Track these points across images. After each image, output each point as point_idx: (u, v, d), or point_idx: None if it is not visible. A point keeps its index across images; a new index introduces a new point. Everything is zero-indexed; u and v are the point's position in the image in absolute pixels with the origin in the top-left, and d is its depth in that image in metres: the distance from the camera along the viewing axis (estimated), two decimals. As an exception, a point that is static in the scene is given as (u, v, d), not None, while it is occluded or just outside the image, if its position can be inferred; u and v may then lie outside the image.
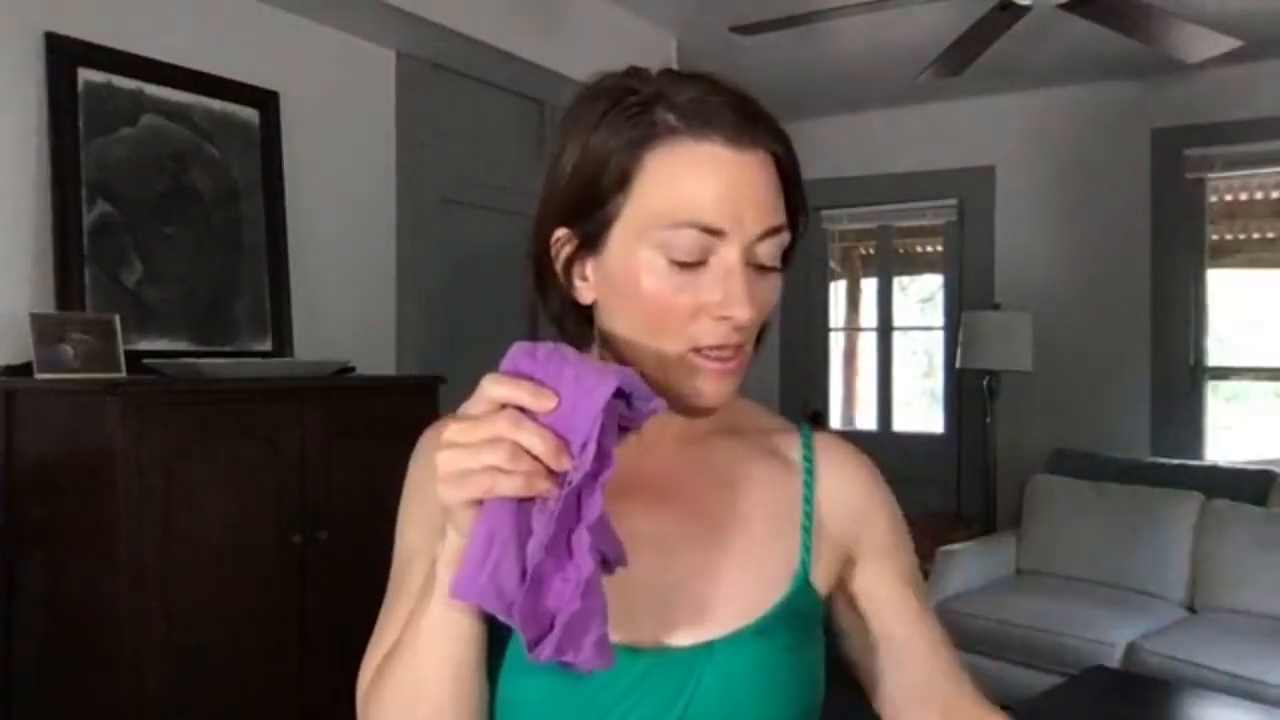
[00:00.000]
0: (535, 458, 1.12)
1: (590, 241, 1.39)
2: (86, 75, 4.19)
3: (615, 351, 1.41)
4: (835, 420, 9.31)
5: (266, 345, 4.81)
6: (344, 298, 5.29)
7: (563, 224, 1.41)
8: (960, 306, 8.23)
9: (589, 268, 1.41)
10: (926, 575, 6.85)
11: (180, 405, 3.70)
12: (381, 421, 4.35)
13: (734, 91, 1.38)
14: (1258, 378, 7.70)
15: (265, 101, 4.89)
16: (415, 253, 5.72)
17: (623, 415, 1.19)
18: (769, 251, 1.38)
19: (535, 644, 1.12)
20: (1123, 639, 5.90)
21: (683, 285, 1.34)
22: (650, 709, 1.36)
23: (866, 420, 9.22)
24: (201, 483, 3.70)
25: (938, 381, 8.94)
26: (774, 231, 1.37)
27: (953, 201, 8.50)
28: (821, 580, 1.53)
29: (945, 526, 7.71)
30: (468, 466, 1.12)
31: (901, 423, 9.07)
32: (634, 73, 1.42)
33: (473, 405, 1.17)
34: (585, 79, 1.43)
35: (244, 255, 4.76)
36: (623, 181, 1.35)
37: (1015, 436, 7.99)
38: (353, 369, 4.71)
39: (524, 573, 1.11)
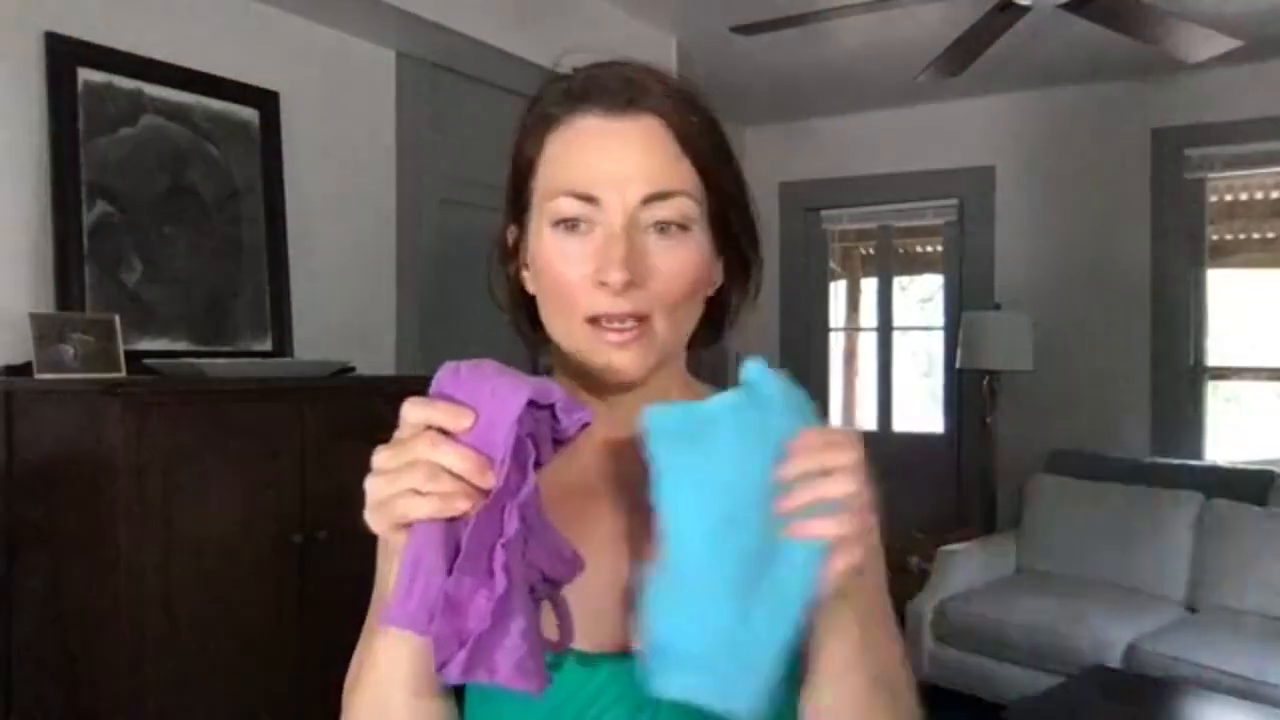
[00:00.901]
0: (459, 477, 1.13)
1: (524, 232, 1.46)
2: (86, 75, 4.19)
3: (549, 335, 1.45)
4: (835, 420, 9.30)
5: (266, 345, 4.80)
6: (344, 298, 5.29)
7: (510, 220, 1.49)
8: (960, 306, 8.22)
9: (528, 258, 1.46)
10: (927, 575, 6.86)
11: (180, 405, 3.70)
12: (381, 421, 4.31)
13: (626, 65, 1.43)
14: (1257, 378, 7.72)
15: (265, 101, 4.89)
16: (415, 253, 5.72)
17: (555, 428, 1.20)
18: (661, 214, 1.37)
19: (442, 665, 1.10)
20: (1123, 639, 5.90)
21: (570, 256, 1.36)
22: (617, 715, 1.36)
23: (867, 420, 9.20)
24: (201, 483, 3.70)
25: (938, 381, 8.94)
26: (662, 196, 1.37)
27: (953, 201, 8.51)
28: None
29: (945, 526, 7.72)
30: (388, 493, 1.14)
31: (902, 423, 9.07)
32: (554, 76, 1.47)
33: (399, 431, 1.19)
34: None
35: (244, 255, 4.76)
36: (530, 168, 1.43)
37: (1015, 436, 7.97)
38: (352, 369, 4.71)
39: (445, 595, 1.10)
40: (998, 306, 7.91)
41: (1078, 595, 6.44)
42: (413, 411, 1.17)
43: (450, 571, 1.11)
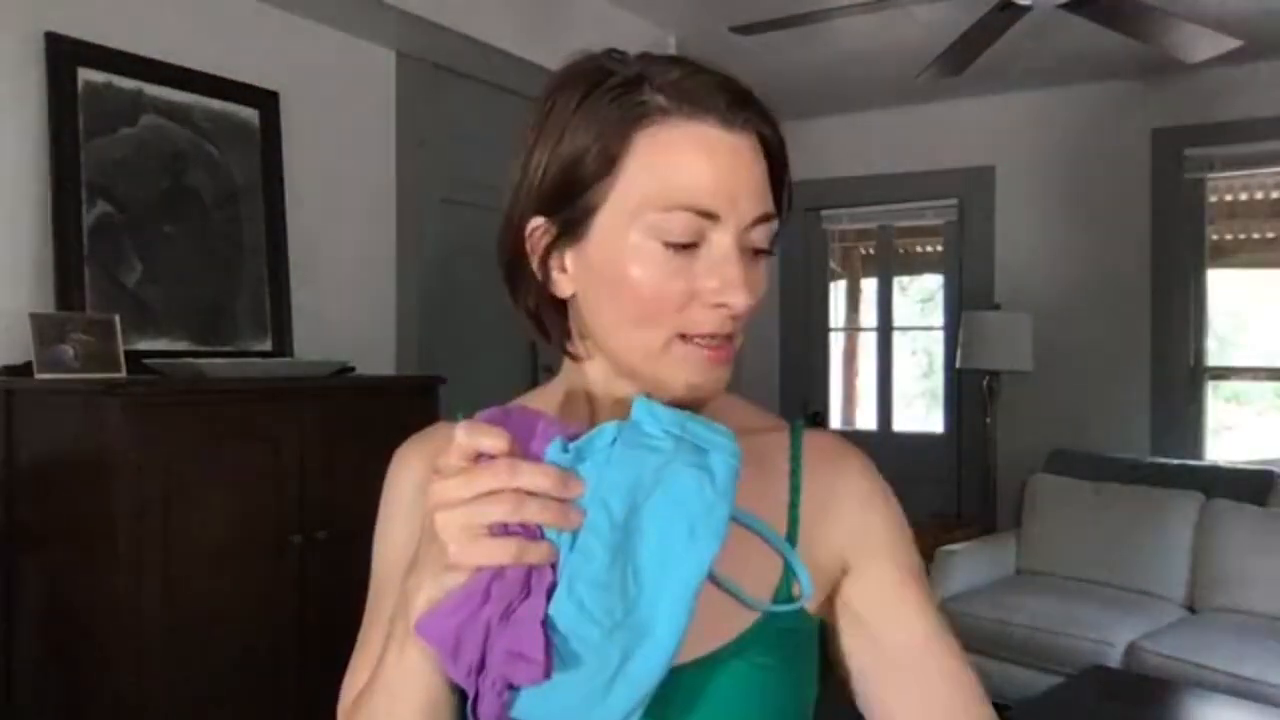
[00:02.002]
0: (538, 495, 1.09)
1: (571, 230, 1.32)
2: (86, 75, 4.20)
3: (598, 344, 1.37)
4: (835, 420, 9.32)
5: (266, 345, 4.81)
6: (344, 298, 5.31)
7: (539, 213, 1.34)
8: (960, 306, 8.23)
9: (568, 258, 1.35)
10: (927, 575, 6.87)
11: (180, 405, 3.71)
12: (381, 422, 4.35)
13: (720, 73, 1.32)
14: (1257, 378, 7.73)
15: (265, 101, 4.90)
16: (415, 253, 5.74)
17: None
18: (761, 237, 1.32)
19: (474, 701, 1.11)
20: (1123, 639, 5.91)
21: (676, 271, 1.27)
22: None
23: (866, 420, 9.22)
24: (201, 483, 3.71)
25: (938, 381, 8.95)
26: (767, 218, 1.31)
27: (953, 201, 8.51)
28: (810, 593, 1.43)
29: (945, 526, 7.72)
30: (474, 523, 1.09)
31: (902, 423, 9.08)
32: (610, 54, 1.35)
33: (448, 457, 1.13)
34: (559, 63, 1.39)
35: (244, 255, 4.77)
36: (609, 164, 1.28)
37: (1015, 436, 7.99)
38: (352, 369, 4.72)
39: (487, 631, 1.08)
40: (997, 306, 7.93)
41: (1078, 595, 6.46)
42: (469, 437, 1.11)
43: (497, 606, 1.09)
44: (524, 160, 1.36)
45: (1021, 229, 8.12)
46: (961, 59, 5.30)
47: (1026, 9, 4.71)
